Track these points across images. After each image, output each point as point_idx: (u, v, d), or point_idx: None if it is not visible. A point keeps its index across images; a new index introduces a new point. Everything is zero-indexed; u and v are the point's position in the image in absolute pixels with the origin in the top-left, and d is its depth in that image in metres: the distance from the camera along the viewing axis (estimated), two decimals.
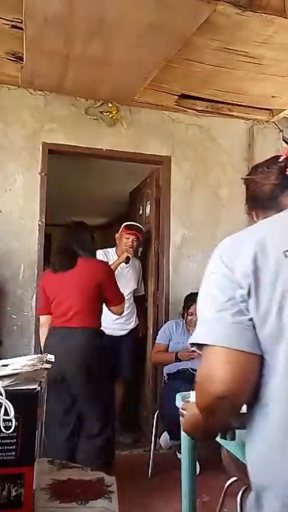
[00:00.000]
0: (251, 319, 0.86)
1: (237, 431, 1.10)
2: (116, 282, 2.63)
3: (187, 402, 1.11)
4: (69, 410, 2.39)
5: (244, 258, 0.88)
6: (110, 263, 3.40)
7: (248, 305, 0.86)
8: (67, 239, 2.59)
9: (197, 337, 0.91)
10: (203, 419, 0.93)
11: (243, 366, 0.84)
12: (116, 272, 3.38)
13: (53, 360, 1.07)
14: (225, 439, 1.11)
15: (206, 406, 0.89)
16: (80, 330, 2.37)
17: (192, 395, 1.23)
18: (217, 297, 0.90)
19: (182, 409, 1.12)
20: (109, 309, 2.64)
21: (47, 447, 2.27)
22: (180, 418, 1.13)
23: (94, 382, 2.34)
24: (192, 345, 0.93)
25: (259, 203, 1.11)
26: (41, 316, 2.68)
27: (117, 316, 3.24)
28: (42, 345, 2.64)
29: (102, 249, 3.65)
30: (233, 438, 1.11)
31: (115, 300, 2.58)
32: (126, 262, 3.46)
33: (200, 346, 0.91)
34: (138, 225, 3.67)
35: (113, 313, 2.70)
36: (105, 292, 2.49)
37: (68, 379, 2.31)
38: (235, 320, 0.85)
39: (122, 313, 2.81)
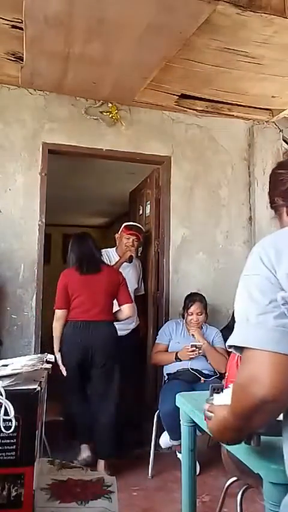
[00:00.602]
0: None
1: None
2: (125, 283, 3.00)
3: (212, 405, 1.09)
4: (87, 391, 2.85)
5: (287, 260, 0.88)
6: (111, 263, 3.42)
7: None
8: (89, 246, 2.96)
9: (237, 339, 0.90)
10: (237, 422, 0.92)
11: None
12: None
13: (53, 360, 1.07)
14: (250, 444, 1.10)
15: (245, 410, 0.87)
16: (103, 323, 2.84)
17: (216, 398, 1.22)
18: (258, 299, 0.89)
19: (208, 411, 1.10)
20: (120, 310, 2.95)
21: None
22: (206, 420, 1.11)
23: (112, 364, 2.82)
24: (230, 346, 0.92)
25: None
26: (58, 310, 2.86)
27: None
28: (56, 335, 2.85)
29: (102, 249, 3.65)
30: (258, 444, 1.10)
31: (128, 298, 2.96)
32: (130, 262, 3.47)
33: (238, 348, 0.90)
34: (138, 225, 3.67)
35: (124, 313, 2.94)
36: (120, 291, 2.93)
37: (96, 362, 2.78)
38: (278, 323, 0.85)
39: (132, 316, 3.03)
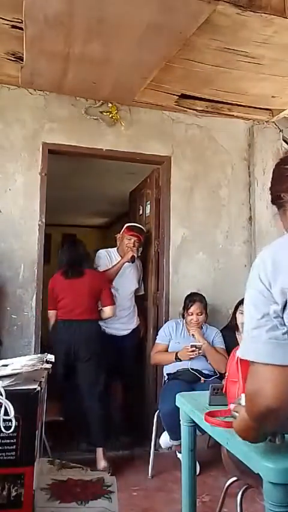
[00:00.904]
0: (285, 333, 0.92)
1: None
2: (111, 287, 3.26)
3: (238, 405, 1.16)
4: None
5: (284, 276, 0.93)
6: (113, 263, 3.42)
7: (284, 319, 0.92)
8: (75, 253, 3.24)
9: (241, 352, 0.99)
10: (253, 424, 1.01)
11: (286, 378, 0.91)
12: (119, 271, 3.40)
13: (53, 360, 1.07)
14: (275, 442, 1.14)
15: (255, 415, 0.98)
16: (87, 321, 3.09)
17: (243, 398, 1.28)
18: (253, 314, 0.96)
19: (234, 411, 1.19)
20: (102, 310, 3.20)
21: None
22: (232, 420, 1.20)
23: (96, 359, 3.04)
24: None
25: None
26: (49, 311, 3.19)
27: (119, 316, 3.41)
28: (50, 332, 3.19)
29: (102, 249, 3.65)
30: (282, 441, 1.14)
31: (109, 300, 3.20)
32: (132, 262, 3.46)
33: None
34: (140, 226, 3.66)
35: (106, 314, 3.19)
36: (103, 294, 3.18)
37: (80, 356, 3.01)
38: (270, 336, 0.92)
39: (112, 316, 3.23)
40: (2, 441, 0.88)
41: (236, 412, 1.15)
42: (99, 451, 2.91)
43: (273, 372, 0.90)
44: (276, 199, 1.14)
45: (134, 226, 3.64)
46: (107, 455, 2.91)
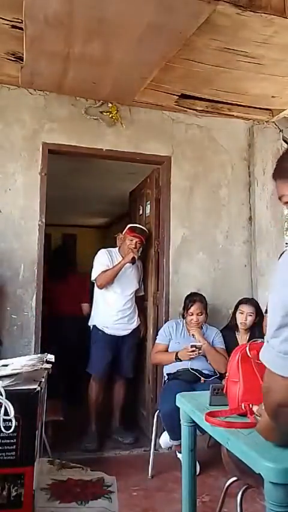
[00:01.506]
0: None
1: None
2: (87, 288, 3.96)
3: (262, 409, 1.22)
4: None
5: None
6: (114, 262, 3.41)
7: None
8: (63, 258, 4.46)
9: (259, 354, 1.06)
10: (272, 421, 1.09)
11: None
12: (120, 272, 3.39)
13: (53, 360, 1.08)
14: None
15: (269, 411, 1.06)
16: (71, 316, 4.08)
17: None
18: (270, 323, 1.01)
19: (258, 413, 1.29)
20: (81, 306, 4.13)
21: None
22: (257, 422, 1.29)
23: (78, 341, 3.92)
24: None
25: None
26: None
27: (119, 316, 3.44)
28: None
29: (103, 248, 3.65)
30: None
31: (85, 299, 4.06)
32: (133, 263, 3.45)
33: None
34: (142, 227, 3.64)
35: (83, 310, 4.09)
36: (80, 293, 4.11)
37: (69, 340, 3.93)
38: (280, 349, 0.97)
39: (87, 312, 3.84)
40: (2, 441, 0.88)
41: (259, 415, 1.24)
42: None
43: (284, 382, 0.97)
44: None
45: (136, 227, 3.63)
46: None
